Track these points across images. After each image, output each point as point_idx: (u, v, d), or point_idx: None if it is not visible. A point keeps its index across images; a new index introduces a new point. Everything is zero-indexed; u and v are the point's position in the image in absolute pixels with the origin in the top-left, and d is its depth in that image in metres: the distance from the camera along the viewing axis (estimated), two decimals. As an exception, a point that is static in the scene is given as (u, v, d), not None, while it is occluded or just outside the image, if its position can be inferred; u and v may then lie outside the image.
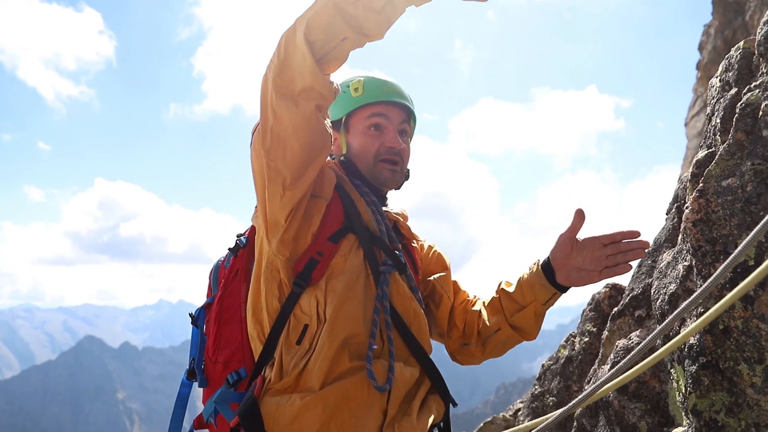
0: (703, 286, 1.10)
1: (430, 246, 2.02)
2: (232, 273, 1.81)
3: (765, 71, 1.63)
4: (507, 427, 3.85)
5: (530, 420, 3.12)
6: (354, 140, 1.83)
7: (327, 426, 1.48)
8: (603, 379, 1.29)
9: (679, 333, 1.65)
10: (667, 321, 1.11)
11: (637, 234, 1.60)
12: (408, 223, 1.96)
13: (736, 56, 1.79)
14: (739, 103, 1.61)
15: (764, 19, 1.65)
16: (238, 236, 1.87)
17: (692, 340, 1.53)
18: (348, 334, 1.55)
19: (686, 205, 1.62)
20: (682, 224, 1.70)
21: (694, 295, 1.08)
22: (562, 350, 3.11)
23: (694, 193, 1.60)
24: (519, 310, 1.78)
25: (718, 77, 1.86)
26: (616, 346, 2.14)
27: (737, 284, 1.41)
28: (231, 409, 1.63)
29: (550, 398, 3.03)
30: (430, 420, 1.62)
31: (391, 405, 1.55)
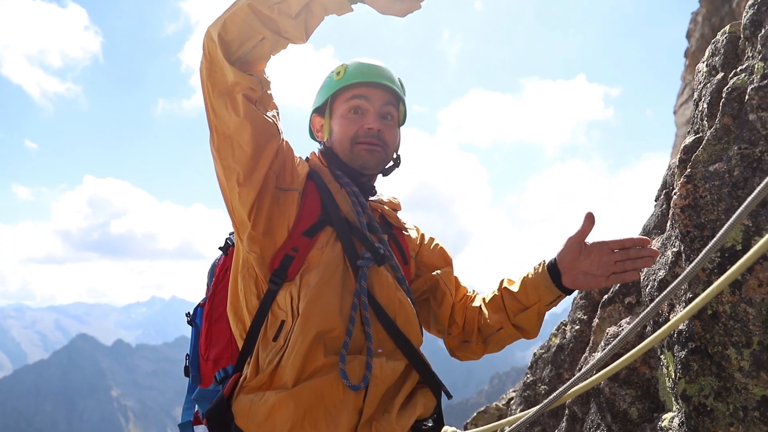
0: (686, 271, 1.10)
1: (431, 238, 1.99)
2: (222, 271, 1.80)
3: (751, 55, 1.62)
4: (500, 417, 3.87)
5: (522, 408, 3.14)
6: (335, 124, 1.79)
7: (300, 424, 1.46)
8: (583, 371, 1.29)
9: (669, 320, 1.65)
10: (647, 310, 1.11)
11: (647, 242, 1.57)
12: (400, 212, 1.93)
13: (722, 41, 1.78)
14: (726, 88, 1.61)
15: (749, 3, 1.65)
16: (230, 234, 1.86)
17: (681, 326, 1.54)
18: (322, 328, 1.52)
19: (674, 191, 1.62)
20: (670, 210, 1.70)
21: (676, 281, 1.07)
22: (553, 339, 3.12)
23: (681, 179, 1.60)
24: (522, 310, 1.75)
25: (705, 62, 1.86)
26: (607, 333, 2.14)
27: (725, 268, 1.41)
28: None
29: (542, 387, 3.04)
30: (414, 416, 1.60)
31: (367, 404, 1.52)
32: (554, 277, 1.68)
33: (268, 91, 1.56)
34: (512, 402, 3.61)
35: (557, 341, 3.04)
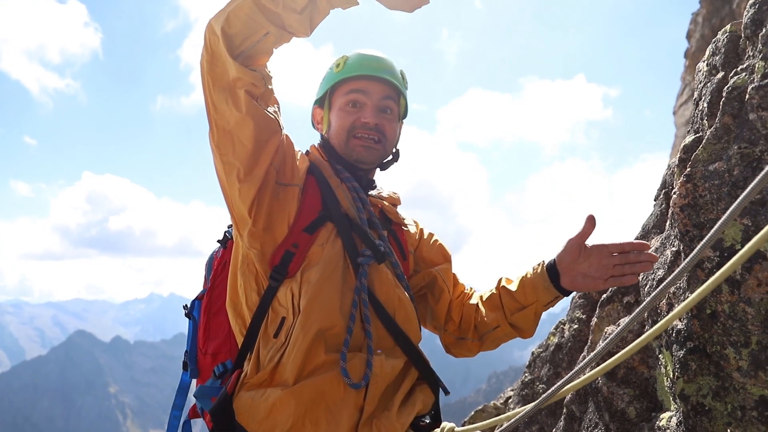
0: (680, 267, 1.09)
1: (431, 234, 1.98)
2: (221, 265, 1.79)
3: (751, 54, 1.62)
4: (498, 415, 3.87)
5: (520, 407, 3.14)
6: (333, 117, 1.78)
7: (301, 421, 1.46)
8: (579, 367, 1.29)
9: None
10: (642, 305, 1.10)
11: (647, 246, 1.58)
12: (399, 207, 1.92)
13: (723, 40, 1.78)
14: (726, 87, 1.61)
15: (750, 2, 1.64)
16: (228, 227, 1.85)
17: (680, 325, 1.54)
18: (323, 325, 1.52)
19: (674, 190, 1.62)
20: (669, 210, 1.69)
21: (671, 276, 1.07)
22: (551, 338, 3.12)
23: (681, 178, 1.59)
24: (520, 309, 1.75)
25: (705, 62, 1.85)
26: (605, 333, 2.14)
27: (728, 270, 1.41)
28: (212, 403, 1.62)
29: (540, 385, 3.04)
30: (414, 412, 1.60)
31: (368, 401, 1.52)
32: (553, 277, 1.68)
33: (270, 87, 1.55)
34: (510, 401, 3.61)
35: (555, 340, 3.04)
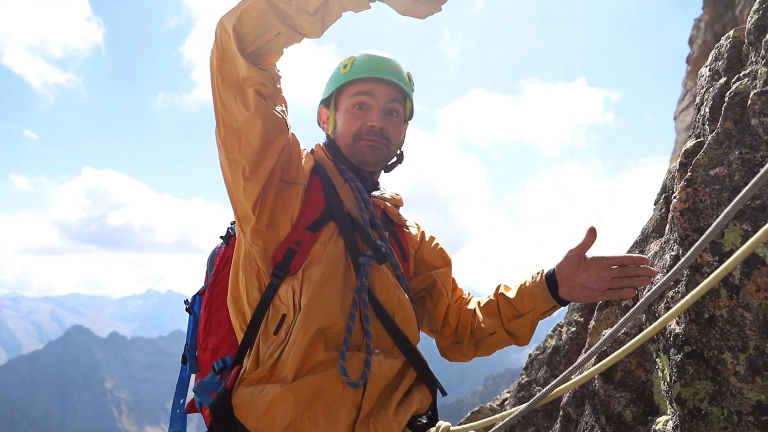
0: (675, 268, 1.09)
1: (432, 237, 1.99)
2: (223, 261, 1.80)
3: (754, 60, 1.62)
4: (494, 417, 3.87)
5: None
6: (339, 118, 1.79)
7: (300, 418, 1.46)
8: (574, 366, 1.29)
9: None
10: (636, 306, 1.10)
11: (646, 261, 1.59)
12: (401, 209, 1.93)
13: (726, 45, 1.78)
14: (728, 92, 1.61)
15: (754, 8, 1.64)
16: (231, 224, 1.85)
17: (677, 330, 1.54)
18: (323, 324, 1.53)
19: (674, 194, 1.62)
20: (669, 214, 1.70)
21: (665, 277, 1.07)
22: (549, 340, 3.12)
23: (682, 183, 1.60)
24: (517, 317, 1.77)
25: (708, 66, 1.85)
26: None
27: (723, 273, 1.41)
28: (211, 398, 1.63)
29: (537, 388, 3.04)
30: (411, 411, 1.61)
31: (366, 400, 1.53)
32: (551, 287, 1.69)
33: (278, 86, 1.56)
34: (506, 403, 3.61)
35: (553, 343, 3.04)
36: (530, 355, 3.33)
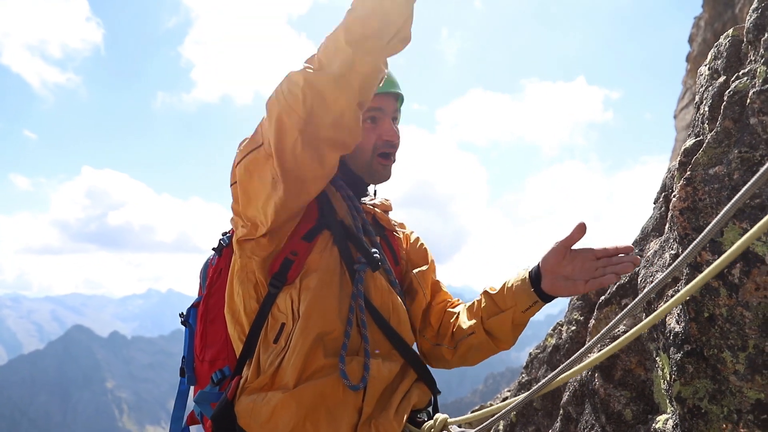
0: (673, 265, 1.10)
1: (417, 237, 2.00)
2: (216, 273, 1.80)
3: (753, 59, 1.62)
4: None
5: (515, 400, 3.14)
6: None
7: (302, 424, 1.47)
8: (573, 358, 1.29)
9: (665, 321, 1.65)
10: (635, 302, 1.11)
11: (631, 249, 1.56)
12: (391, 213, 1.94)
13: (725, 44, 1.78)
14: (727, 91, 1.61)
15: (753, 6, 1.64)
16: (222, 235, 1.85)
17: (677, 328, 1.54)
18: (322, 330, 1.54)
19: (674, 193, 1.62)
20: (669, 213, 1.70)
21: (663, 274, 1.07)
22: (549, 339, 3.12)
23: (681, 182, 1.60)
24: (496, 314, 1.71)
25: (707, 65, 1.86)
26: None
27: (722, 272, 1.41)
28: (212, 408, 1.63)
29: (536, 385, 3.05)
30: (410, 407, 1.63)
31: (366, 403, 1.54)
32: (535, 282, 1.64)
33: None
34: (506, 401, 3.62)
35: (553, 341, 3.04)
36: (530, 354, 3.33)
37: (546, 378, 1.36)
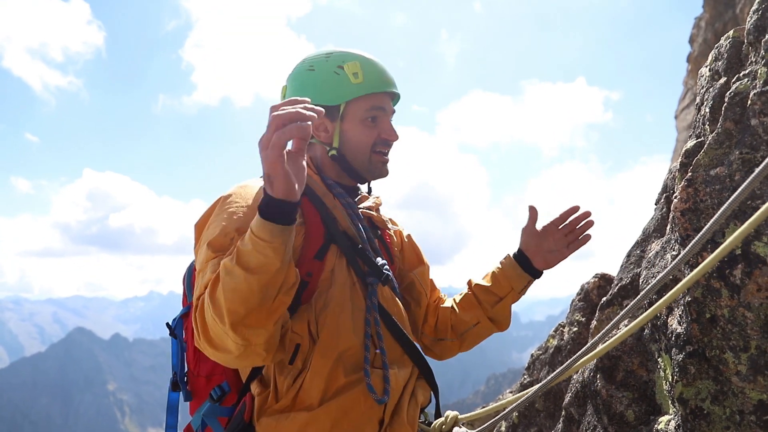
0: (674, 263, 1.10)
1: (409, 235, 1.99)
2: None
3: (754, 60, 1.62)
4: (496, 416, 3.87)
5: (519, 409, 3.14)
6: (351, 130, 1.70)
7: None
8: (578, 354, 1.29)
9: (666, 322, 1.66)
10: (631, 304, 1.11)
11: (578, 208, 1.84)
12: (382, 209, 1.91)
13: (726, 45, 1.79)
14: (728, 93, 1.61)
15: (753, 8, 1.65)
16: None
17: (679, 329, 1.54)
18: (341, 349, 1.53)
19: (675, 194, 1.63)
20: (670, 214, 1.70)
21: (663, 273, 1.08)
22: (551, 340, 3.12)
23: (682, 183, 1.60)
24: (498, 301, 1.88)
25: (708, 66, 1.86)
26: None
27: (724, 272, 1.42)
28: (220, 423, 1.61)
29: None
30: (418, 408, 1.64)
31: (386, 413, 1.56)
32: (522, 265, 1.87)
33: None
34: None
35: (555, 342, 3.04)
36: (532, 355, 3.33)
37: (552, 374, 1.37)
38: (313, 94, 1.67)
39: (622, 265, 2.32)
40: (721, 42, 1.83)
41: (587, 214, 1.85)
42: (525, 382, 3.27)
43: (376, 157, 1.73)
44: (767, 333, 1.34)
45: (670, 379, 1.55)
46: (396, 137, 1.75)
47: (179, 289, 1.85)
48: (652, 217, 2.12)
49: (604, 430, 1.92)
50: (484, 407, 3.80)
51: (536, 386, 1.36)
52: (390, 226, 1.94)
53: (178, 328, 1.76)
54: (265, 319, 1.32)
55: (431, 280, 2.00)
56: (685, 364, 1.47)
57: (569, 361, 1.39)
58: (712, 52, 1.86)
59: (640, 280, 1.96)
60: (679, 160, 1.75)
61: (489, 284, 1.89)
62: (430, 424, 1.72)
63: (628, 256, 2.27)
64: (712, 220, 1.03)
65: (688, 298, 1.52)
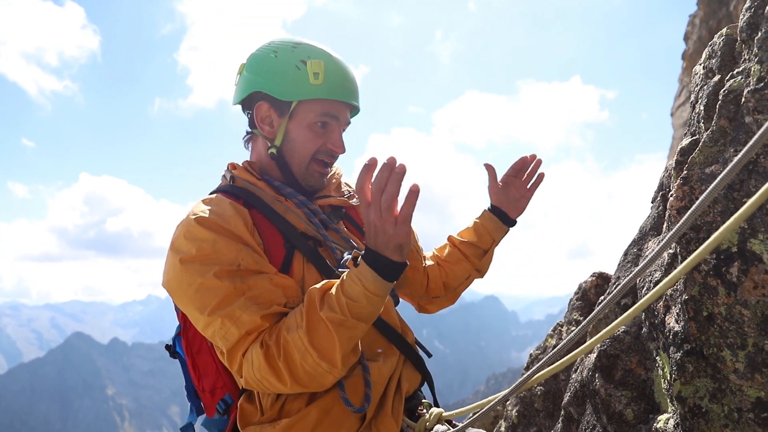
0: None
1: None
2: None
3: (747, 58, 1.63)
4: (496, 417, 3.87)
5: (518, 409, 3.14)
6: (296, 131, 1.62)
7: None
8: (556, 349, 1.29)
9: (664, 320, 1.66)
10: (612, 294, 1.11)
11: (526, 157, 2.00)
12: (345, 179, 1.88)
13: (719, 43, 1.79)
14: (722, 90, 1.61)
15: (746, 5, 1.65)
16: None
17: (677, 328, 1.54)
18: None
19: (671, 192, 1.63)
20: (666, 212, 1.70)
21: (639, 267, 1.08)
22: (549, 339, 3.12)
23: (678, 181, 1.60)
24: (483, 254, 2.07)
25: (702, 64, 1.86)
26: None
27: (720, 270, 1.42)
28: None
29: (538, 387, 3.05)
30: (403, 398, 1.64)
31: (368, 409, 1.55)
32: (499, 217, 2.04)
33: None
34: (508, 402, 3.61)
35: (553, 342, 3.04)
36: (531, 355, 3.33)
37: (532, 369, 1.36)
38: (269, 83, 1.59)
39: (619, 264, 2.32)
40: (714, 40, 1.83)
41: (534, 156, 2.01)
42: (524, 381, 3.27)
43: (314, 166, 1.65)
44: (764, 330, 1.34)
45: (669, 378, 1.55)
46: (342, 150, 1.66)
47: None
48: (649, 216, 2.13)
49: (604, 430, 1.92)
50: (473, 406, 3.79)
51: (513, 385, 1.37)
52: (355, 197, 1.84)
53: (178, 346, 1.76)
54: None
55: (419, 246, 2.07)
56: (683, 362, 1.47)
57: (535, 366, 1.39)
58: (706, 49, 1.86)
59: (638, 280, 1.96)
60: (675, 158, 1.75)
61: (475, 240, 2.04)
62: (421, 415, 1.71)
63: (625, 254, 2.27)
64: (694, 206, 1.03)
65: (685, 296, 1.52)
